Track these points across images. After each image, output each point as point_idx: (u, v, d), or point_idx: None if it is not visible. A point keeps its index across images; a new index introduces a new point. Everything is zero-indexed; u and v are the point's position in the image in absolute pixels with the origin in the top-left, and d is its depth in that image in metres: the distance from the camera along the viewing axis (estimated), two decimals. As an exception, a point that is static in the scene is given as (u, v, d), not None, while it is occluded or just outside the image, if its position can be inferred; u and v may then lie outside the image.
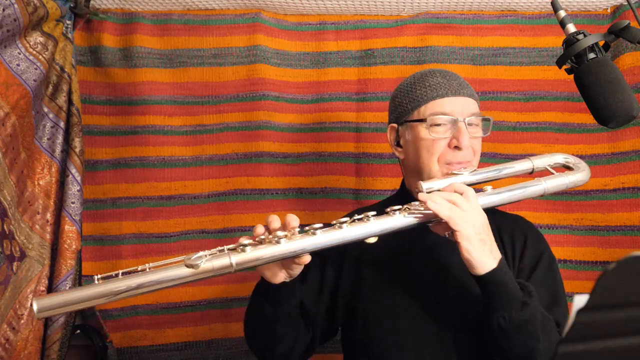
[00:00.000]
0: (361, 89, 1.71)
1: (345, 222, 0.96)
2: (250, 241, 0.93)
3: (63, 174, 1.59)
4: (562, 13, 1.03)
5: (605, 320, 0.50)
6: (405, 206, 1.00)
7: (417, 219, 0.99)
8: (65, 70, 1.58)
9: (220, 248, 0.93)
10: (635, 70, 1.58)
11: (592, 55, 0.99)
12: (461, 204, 0.98)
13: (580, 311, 0.49)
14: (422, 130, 1.15)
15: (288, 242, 0.93)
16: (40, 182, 1.55)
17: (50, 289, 1.55)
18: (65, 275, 1.55)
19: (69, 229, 1.56)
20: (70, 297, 0.86)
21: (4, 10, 1.29)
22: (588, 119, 1.47)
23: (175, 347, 1.64)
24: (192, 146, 1.68)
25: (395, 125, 1.23)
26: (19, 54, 1.42)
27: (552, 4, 1.04)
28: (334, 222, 0.97)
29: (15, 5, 1.31)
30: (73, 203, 1.57)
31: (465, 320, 1.09)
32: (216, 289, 1.66)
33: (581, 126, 1.66)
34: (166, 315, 1.64)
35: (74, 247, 1.57)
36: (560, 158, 1.15)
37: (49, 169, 1.57)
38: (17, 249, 1.46)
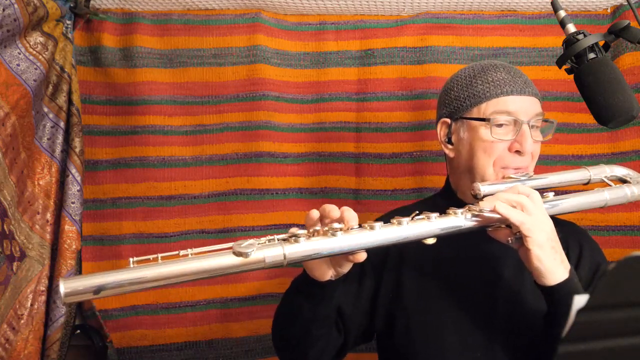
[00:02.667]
0: (361, 89, 1.71)
1: (405, 219, 0.88)
2: (304, 232, 0.85)
3: (63, 174, 1.59)
4: (562, 13, 1.03)
5: (605, 320, 0.50)
6: (467, 206, 0.93)
7: (479, 222, 0.92)
8: (65, 70, 1.58)
9: (270, 237, 0.84)
10: (635, 70, 1.58)
11: (592, 55, 0.99)
12: (530, 207, 0.91)
13: (580, 311, 0.49)
14: (482, 130, 1.07)
15: (345, 236, 0.85)
16: (40, 182, 1.55)
17: (50, 289, 1.55)
18: (65, 275, 1.55)
19: (69, 229, 1.56)
20: (102, 280, 0.75)
21: (4, 10, 1.29)
22: (588, 119, 1.47)
23: (175, 347, 1.64)
24: (192, 146, 1.67)
25: (447, 120, 1.14)
26: (19, 54, 1.41)
27: (552, 4, 1.04)
28: (393, 221, 0.89)
29: (15, 5, 1.31)
30: (73, 203, 1.57)
31: (515, 334, 1.04)
32: (216, 289, 1.66)
33: (581, 126, 1.66)
34: (166, 315, 1.64)
35: (74, 247, 1.57)
36: (619, 170, 1.10)
37: (49, 169, 1.57)
38: (17, 249, 1.46)
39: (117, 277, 0.75)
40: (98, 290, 0.74)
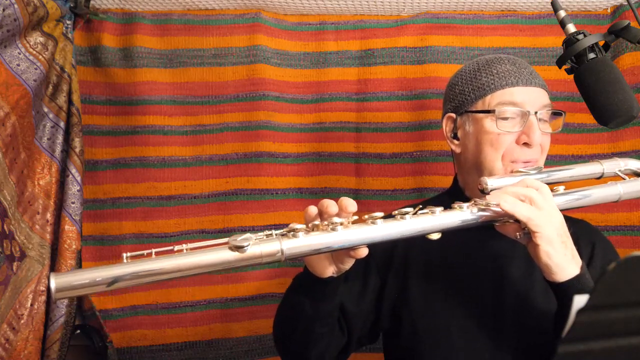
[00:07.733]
0: (361, 89, 1.71)
1: (408, 213, 0.86)
2: (303, 226, 0.82)
3: (63, 174, 1.59)
4: (562, 13, 1.03)
5: (605, 320, 0.50)
6: (473, 200, 0.90)
7: (485, 217, 0.88)
8: (65, 70, 1.58)
9: (267, 232, 0.81)
10: (635, 70, 1.58)
11: (592, 55, 0.99)
12: (539, 201, 0.87)
13: (580, 311, 0.49)
14: (487, 123, 1.05)
15: (345, 231, 0.82)
16: (40, 182, 1.55)
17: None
18: (65, 275, 1.55)
19: (69, 229, 1.56)
20: (94, 275, 0.73)
21: (4, 10, 1.29)
22: (588, 119, 1.46)
23: (175, 347, 1.64)
24: (192, 146, 1.67)
25: (453, 115, 1.12)
26: (19, 54, 1.41)
27: (552, 4, 1.04)
28: (395, 212, 0.86)
29: (15, 5, 1.31)
30: (73, 203, 1.57)
31: (524, 336, 1.02)
32: (216, 289, 1.66)
33: (581, 126, 1.66)
34: (166, 315, 1.64)
35: (74, 247, 1.57)
36: (633, 164, 1.06)
37: (49, 169, 1.57)
38: (17, 249, 1.46)
39: (110, 272, 0.73)
40: (91, 285, 0.72)
